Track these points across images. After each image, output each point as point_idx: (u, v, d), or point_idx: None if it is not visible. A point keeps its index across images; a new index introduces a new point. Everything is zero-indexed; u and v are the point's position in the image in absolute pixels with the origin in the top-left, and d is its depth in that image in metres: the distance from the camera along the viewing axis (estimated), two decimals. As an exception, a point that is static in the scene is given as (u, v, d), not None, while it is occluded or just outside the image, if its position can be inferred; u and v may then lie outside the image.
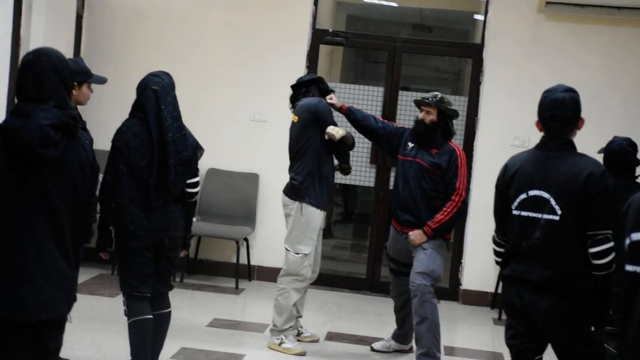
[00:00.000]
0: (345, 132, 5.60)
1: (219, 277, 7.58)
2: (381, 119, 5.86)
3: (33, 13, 6.56)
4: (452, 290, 7.60)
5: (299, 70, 7.27)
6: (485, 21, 7.61)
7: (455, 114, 5.54)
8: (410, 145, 5.51)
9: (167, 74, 4.56)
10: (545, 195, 3.69)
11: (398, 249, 5.60)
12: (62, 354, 3.31)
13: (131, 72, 5.88)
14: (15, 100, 3.16)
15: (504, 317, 5.48)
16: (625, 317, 2.58)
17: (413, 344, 5.59)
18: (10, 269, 3.02)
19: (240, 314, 6.85)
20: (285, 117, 6.34)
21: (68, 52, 7.00)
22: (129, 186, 4.36)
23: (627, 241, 2.59)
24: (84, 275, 6.90)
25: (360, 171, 7.70)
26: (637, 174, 5.27)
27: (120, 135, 4.40)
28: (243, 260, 7.50)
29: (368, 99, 7.68)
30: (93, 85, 4.56)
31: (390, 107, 7.62)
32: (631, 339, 2.53)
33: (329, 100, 5.73)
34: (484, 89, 7.50)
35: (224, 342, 5.72)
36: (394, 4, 10.61)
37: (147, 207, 4.38)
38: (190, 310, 6.50)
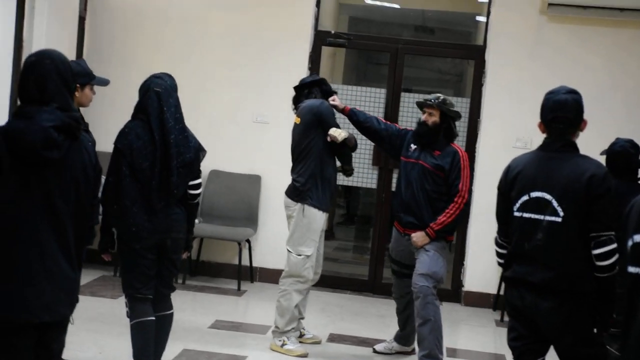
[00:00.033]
0: (348, 134, 5.60)
1: (221, 278, 7.59)
2: (384, 121, 5.86)
3: (35, 15, 6.56)
4: (454, 292, 7.59)
5: (301, 71, 7.28)
6: (487, 23, 7.61)
7: (457, 116, 5.54)
8: (413, 147, 5.51)
9: (170, 76, 4.56)
10: (548, 196, 3.69)
11: (400, 251, 5.60)
12: (64, 356, 3.31)
13: (133, 73, 5.89)
14: (18, 102, 3.17)
15: (506, 318, 5.48)
16: (627, 318, 2.58)
17: (415, 345, 5.58)
18: (13, 271, 3.02)
19: (243, 315, 6.85)
20: (287, 119, 6.34)
21: (70, 54, 7.00)
22: (132, 188, 4.36)
23: (630, 243, 2.59)
24: (87, 276, 6.90)
25: (363, 173, 7.70)
26: (639, 176, 5.27)
27: (122, 137, 4.41)
28: (245, 261, 7.51)
29: (370, 100, 7.68)
30: (95, 87, 4.56)
31: (392, 109, 7.62)
32: (634, 340, 2.53)
33: (331, 102, 5.73)
34: (486, 91, 7.50)
35: (226, 344, 5.72)
36: (396, 6, 10.61)
37: (150, 208, 4.38)
38: (192, 311, 6.50)
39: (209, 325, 6.15)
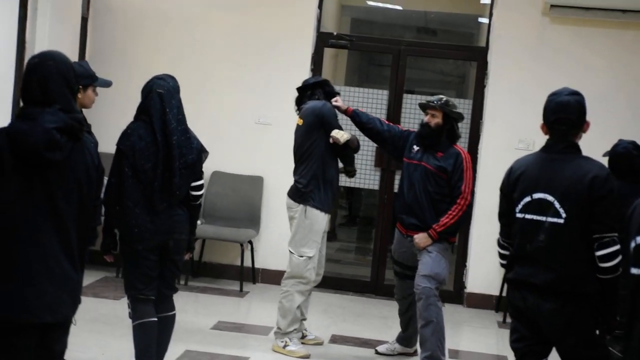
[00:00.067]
0: (350, 136, 5.60)
1: (223, 279, 7.59)
2: (386, 122, 5.86)
3: (38, 16, 6.57)
4: (456, 293, 7.59)
5: (303, 73, 7.28)
6: (489, 24, 7.61)
7: (460, 117, 5.54)
8: (416, 148, 5.51)
9: (172, 77, 4.57)
10: (550, 198, 3.69)
11: (403, 252, 5.59)
12: (66, 357, 3.31)
13: (136, 75, 5.89)
14: (21, 104, 3.17)
15: (508, 320, 5.49)
16: (630, 320, 2.58)
17: (417, 347, 5.58)
18: (13, 271, 3.02)
19: (245, 316, 6.85)
20: (289, 120, 6.34)
21: (73, 56, 7.01)
22: (134, 189, 4.36)
23: (633, 244, 2.59)
24: (89, 277, 6.90)
25: (365, 174, 7.70)
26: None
27: (125, 138, 4.41)
28: (247, 262, 7.51)
29: (372, 102, 7.68)
30: (98, 89, 4.56)
31: (394, 110, 7.62)
32: (636, 342, 2.53)
33: (334, 103, 5.74)
34: (488, 92, 7.50)
35: (229, 345, 5.72)
36: (399, 7, 10.61)
37: (152, 209, 4.38)
38: (194, 312, 6.50)
39: (211, 326, 6.16)
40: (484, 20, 8.36)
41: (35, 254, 3.04)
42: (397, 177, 7.25)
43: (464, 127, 7.08)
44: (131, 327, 4.51)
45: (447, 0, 10.36)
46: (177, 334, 4.90)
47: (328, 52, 8.12)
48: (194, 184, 4.52)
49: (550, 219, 3.68)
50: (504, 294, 6.31)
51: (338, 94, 5.86)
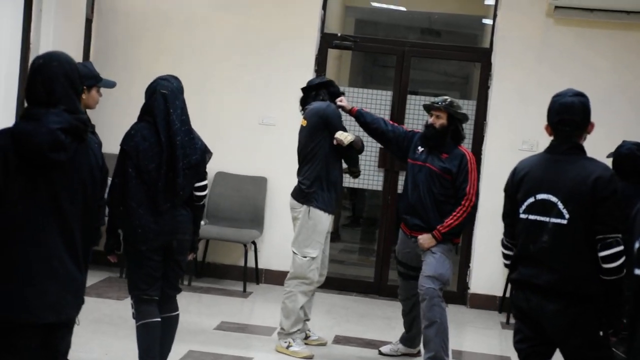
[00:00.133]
0: (354, 137, 5.60)
1: (226, 280, 7.59)
2: (391, 122, 5.86)
3: (43, 17, 6.58)
4: (460, 294, 7.58)
5: (307, 74, 7.27)
6: (493, 25, 7.60)
7: (465, 118, 5.54)
8: (420, 149, 5.51)
9: (176, 78, 4.57)
10: (553, 199, 3.69)
11: (407, 253, 5.59)
12: (69, 357, 3.31)
13: (140, 75, 5.90)
14: (25, 104, 3.17)
15: (512, 321, 5.49)
16: (634, 321, 2.58)
17: (421, 347, 5.58)
18: (13, 271, 3.02)
19: (248, 317, 6.85)
20: (293, 121, 6.35)
21: (77, 56, 7.03)
22: (138, 189, 4.37)
23: (637, 245, 2.59)
24: (93, 278, 6.91)
25: (369, 175, 7.70)
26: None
27: (128, 138, 4.42)
28: (251, 263, 7.51)
29: (376, 103, 7.68)
30: (102, 89, 4.57)
31: (398, 111, 7.62)
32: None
33: (338, 103, 5.74)
34: (492, 93, 7.50)
35: (232, 345, 5.72)
36: (403, 9, 10.61)
37: (156, 210, 4.39)
38: (198, 313, 6.51)
39: (214, 326, 6.16)
40: (488, 21, 8.36)
41: (37, 254, 3.04)
42: (401, 178, 7.26)
43: (467, 128, 7.06)
44: (135, 328, 4.52)
45: (451, 2, 10.35)
46: (181, 334, 4.91)
47: (332, 53, 8.11)
48: (197, 184, 4.53)
49: (553, 220, 3.68)
50: (508, 294, 6.32)
51: (343, 94, 5.86)
